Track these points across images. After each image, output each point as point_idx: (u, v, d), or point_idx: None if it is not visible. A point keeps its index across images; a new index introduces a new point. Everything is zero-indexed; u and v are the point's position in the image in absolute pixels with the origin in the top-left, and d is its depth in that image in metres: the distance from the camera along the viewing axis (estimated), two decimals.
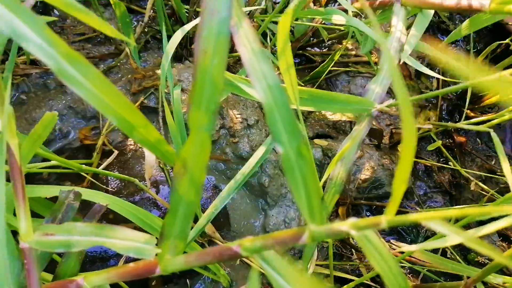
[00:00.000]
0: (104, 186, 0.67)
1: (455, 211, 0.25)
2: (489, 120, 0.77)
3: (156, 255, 0.33)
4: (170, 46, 0.48)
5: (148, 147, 0.33)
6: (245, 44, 0.27)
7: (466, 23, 0.70)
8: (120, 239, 0.34)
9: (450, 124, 0.81)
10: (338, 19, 0.61)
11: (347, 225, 0.28)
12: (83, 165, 0.46)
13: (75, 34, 0.86)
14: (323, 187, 0.53)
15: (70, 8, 0.34)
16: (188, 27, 0.53)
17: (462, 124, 0.79)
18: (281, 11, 0.77)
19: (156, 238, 0.35)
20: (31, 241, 0.34)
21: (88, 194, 0.42)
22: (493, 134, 0.64)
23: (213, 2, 0.26)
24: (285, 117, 0.28)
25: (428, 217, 0.26)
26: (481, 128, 0.74)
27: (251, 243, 0.31)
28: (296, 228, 0.30)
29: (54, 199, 0.42)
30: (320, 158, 0.88)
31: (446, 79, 0.96)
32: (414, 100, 1.04)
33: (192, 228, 0.52)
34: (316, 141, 0.92)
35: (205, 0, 0.26)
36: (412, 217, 0.26)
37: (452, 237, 0.25)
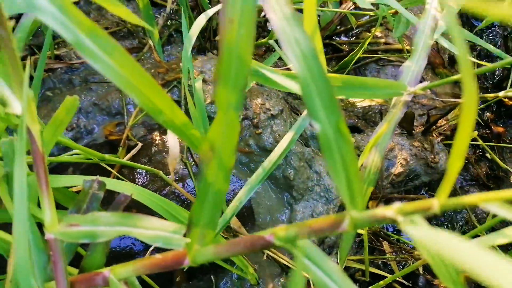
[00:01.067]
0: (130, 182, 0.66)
1: None
2: None
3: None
4: (193, 31, 0.46)
5: (174, 130, 0.31)
6: (275, 8, 0.24)
7: None
8: (147, 229, 0.32)
9: (498, 94, 0.68)
10: None
11: (392, 210, 0.25)
12: (106, 155, 0.45)
13: None
14: None
15: None
16: (211, 12, 0.51)
17: None
18: None
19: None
20: (56, 232, 0.32)
21: (112, 184, 0.40)
22: None
23: None
24: (322, 89, 0.25)
25: (489, 199, 0.23)
26: None
27: (285, 231, 0.29)
28: (335, 215, 0.28)
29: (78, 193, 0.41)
30: None
31: (482, 63, 0.90)
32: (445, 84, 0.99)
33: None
34: None
35: None
36: (470, 198, 0.23)
37: None
